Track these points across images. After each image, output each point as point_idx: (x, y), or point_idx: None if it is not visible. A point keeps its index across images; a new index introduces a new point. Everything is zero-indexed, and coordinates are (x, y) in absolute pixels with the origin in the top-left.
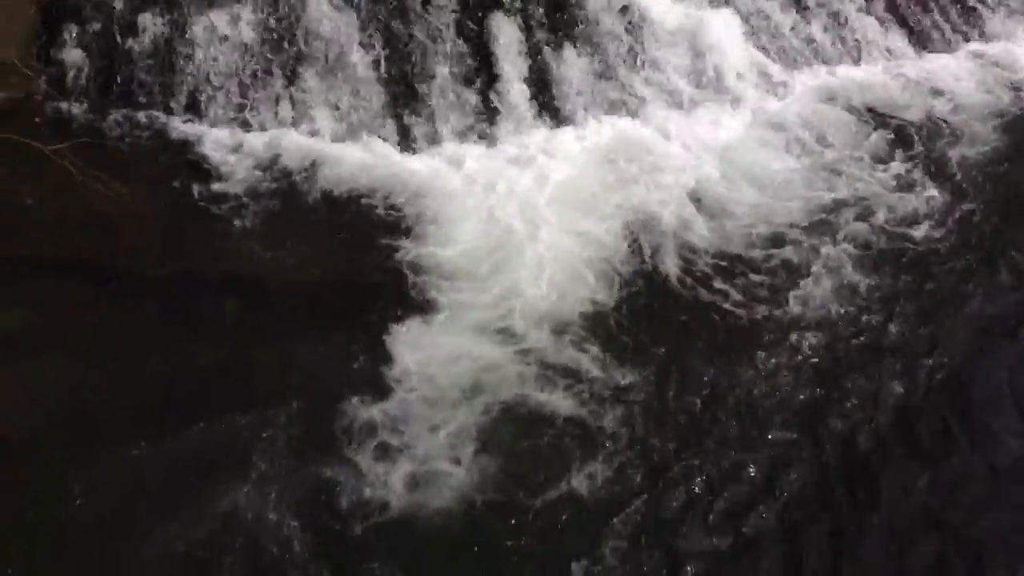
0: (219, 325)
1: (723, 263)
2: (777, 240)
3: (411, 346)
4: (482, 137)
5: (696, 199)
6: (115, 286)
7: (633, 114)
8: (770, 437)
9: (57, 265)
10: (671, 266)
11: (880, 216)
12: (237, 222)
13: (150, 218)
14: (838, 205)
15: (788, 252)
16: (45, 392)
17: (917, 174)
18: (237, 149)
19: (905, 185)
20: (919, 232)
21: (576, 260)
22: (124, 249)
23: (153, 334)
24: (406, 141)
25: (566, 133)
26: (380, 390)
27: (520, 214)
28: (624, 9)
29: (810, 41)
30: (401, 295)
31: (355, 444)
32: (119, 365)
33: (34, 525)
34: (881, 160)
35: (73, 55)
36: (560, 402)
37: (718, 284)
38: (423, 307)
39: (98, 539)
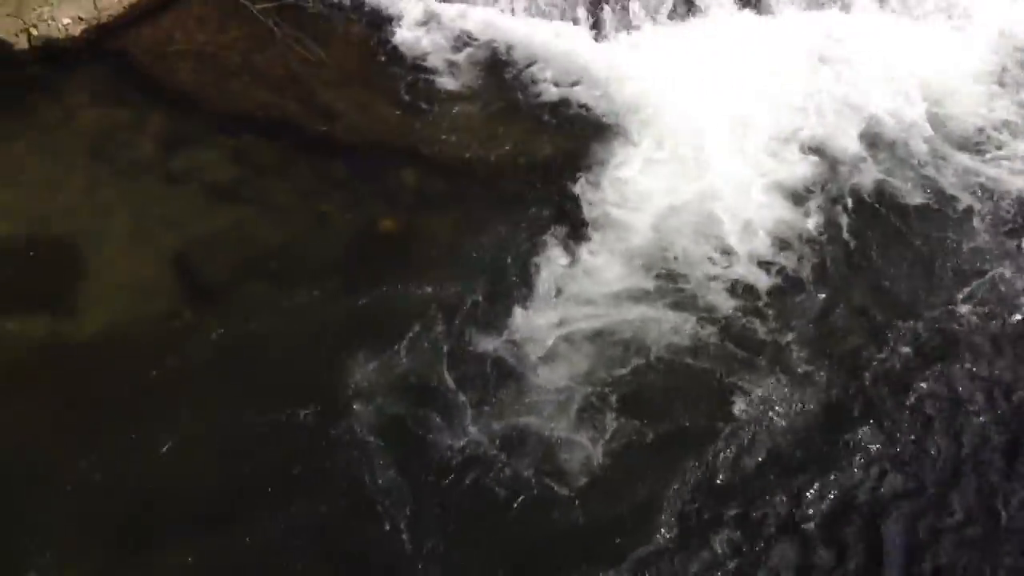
0: (400, 194)
1: (950, 175)
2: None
3: (591, 230)
4: (677, 22)
5: (889, 98)
6: (309, 147)
7: (843, 8)
8: None
9: (258, 121)
10: (876, 173)
11: None
12: (426, 95)
13: (346, 84)
14: None
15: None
16: (237, 240)
17: None
18: (432, 22)
19: None
20: None
21: (774, 156)
22: (320, 112)
23: (339, 197)
24: (599, 25)
25: (767, 24)
26: (550, 265)
27: (715, 106)
28: None
29: None
30: (583, 177)
31: (530, 310)
32: (305, 221)
33: (224, 354)
34: None
35: None
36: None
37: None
38: (603, 194)
39: (297, 364)
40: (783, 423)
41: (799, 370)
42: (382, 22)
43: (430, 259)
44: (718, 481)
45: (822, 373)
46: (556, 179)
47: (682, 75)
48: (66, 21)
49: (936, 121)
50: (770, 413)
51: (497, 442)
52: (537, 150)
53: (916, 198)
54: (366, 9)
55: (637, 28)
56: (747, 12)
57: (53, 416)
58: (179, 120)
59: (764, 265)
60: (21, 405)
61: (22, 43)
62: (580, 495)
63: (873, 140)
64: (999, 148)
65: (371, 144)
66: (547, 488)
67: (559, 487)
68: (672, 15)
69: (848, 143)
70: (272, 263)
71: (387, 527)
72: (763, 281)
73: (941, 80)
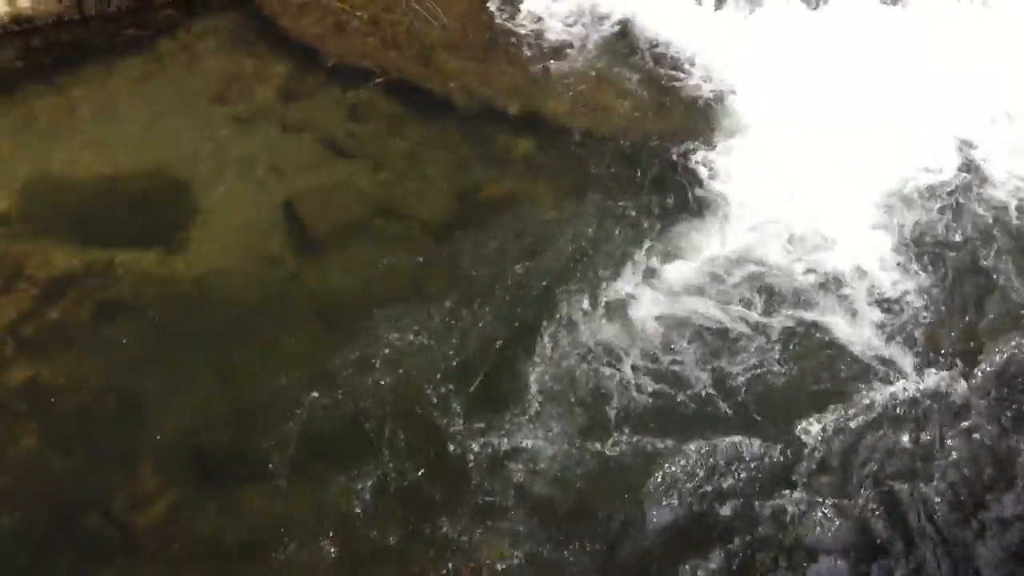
0: (508, 160)
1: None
2: None
3: (690, 212)
4: (807, 5)
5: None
6: (423, 107)
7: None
8: None
9: (376, 79)
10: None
11: None
12: (542, 64)
13: (466, 48)
14: None
15: None
16: (344, 194)
17: None
18: None
19: None
20: None
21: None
22: (438, 75)
23: (448, 159)
24: (721, 3)
25: (900, 10)
26: (647, 246)
27: (832, 85)
28: None
29: None
30: (690, 157)
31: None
32: (416, 183)
33: (324, 305)
34: None
35: None
36: None
37: None
38: (706, 176)
39: (390, 320)
40: None
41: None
42: None
43: (531, 228)
44: None
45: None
46: (664, 155)
47: (800, 57)
48: None
49: None
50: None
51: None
52: (649, 125)
53: None
54: None
55: (762, 6)
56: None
57: (152, 348)
58: (300, 72)
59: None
60: (124, 335)
61: None
62: None
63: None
64: None
65: (484, 109)
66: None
67: None
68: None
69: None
70: (376, 220)
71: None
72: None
73: None
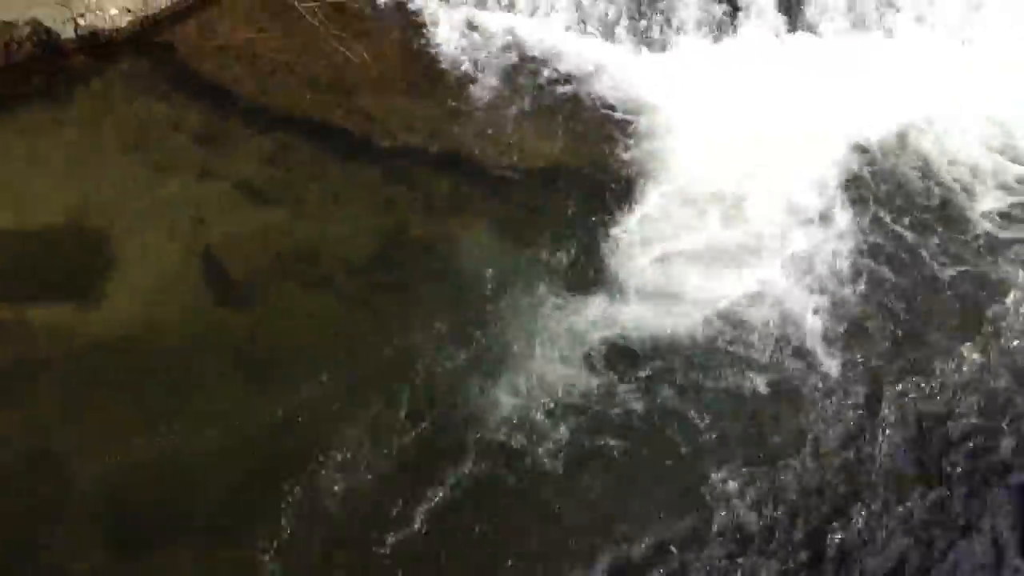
0: (433, 198)
1: (962, 182)
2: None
3: (625, 244)
4: (720, 40)
5: (939, 118)
6: (346, 149)
7: (885, 31)
8: None
9: (296, 121)
10: (901, 175)
11: None
12: (464, 100)
13: (385, 87)
14: None
15: None
16: (266, 239)
17: None
18: (474, 29)
19: None
20: None
21: (794, 162)
22: (358, 115)
23: (372, 200)
24: (639, 37)
25: (811, 42)
26: (584, 283)
27: (746, 117)
28: None
29: None
30: (615, 189)
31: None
32: (339, 226)
33: (248, 354)
34: None
35: None
36: None
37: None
38: (636, 204)
39: (319, 365)
40: None
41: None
42: (424, 28)
43: (458, 266)
44: None
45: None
46: (584, 184)
47: (718, 94)
48: (113, 12)
49: (984, 147)
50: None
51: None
52: (570, 162)
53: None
54: (410, 14)
55: (677, 46)
56: (788, 33)
57: (68, 405)
58: (218, 116)
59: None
60: (39, 392)
61: (68, 32)
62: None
63: (904, 156)
64: None
65: (406, 148)
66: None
67: None
68: (712, 35)
69: (878, 156)
70: (299, 264)
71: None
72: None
73: (985, 104)
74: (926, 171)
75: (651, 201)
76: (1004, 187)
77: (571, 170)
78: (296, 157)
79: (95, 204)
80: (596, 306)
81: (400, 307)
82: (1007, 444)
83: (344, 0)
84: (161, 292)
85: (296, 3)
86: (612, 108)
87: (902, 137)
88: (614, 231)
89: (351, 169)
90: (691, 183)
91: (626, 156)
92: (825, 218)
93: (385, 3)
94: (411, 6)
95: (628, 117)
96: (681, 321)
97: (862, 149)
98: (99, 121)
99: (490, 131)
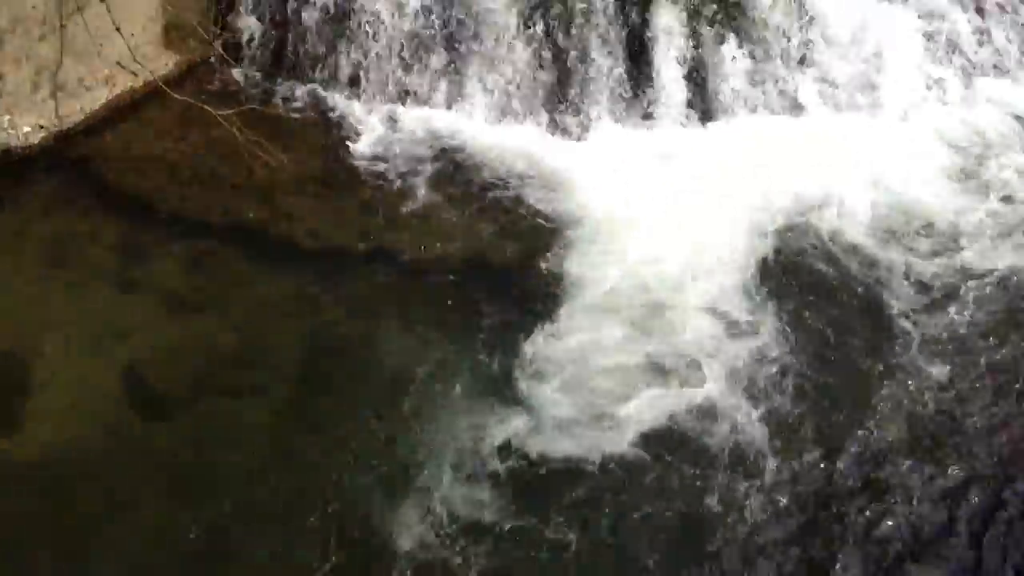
0: (366, 296)
1: (874, 268)
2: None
3: (545, 336)
4: (634, 126)
5: (847, 197)
6: (270, 253)
7: (791, 113)
8: None
9: (219, 228)
10: (814, 252)
11: None
12: (386, 199)
13: (307, 189)
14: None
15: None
16: (191, 351)
17: None
18: (393, 126)
19: None
20: None
21: (715, 258)
22: (281, 217)
23: (298, 304)
24: (557, 126)
25: (721, 127)
26: (506, 380)
27: (665, 207)
28: (791, 4)
29: (990, 47)
30: (541, 272)
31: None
32: (267, 332)
33: (178, 472)
34: None
35: (249, 22)
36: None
37: (867, 270)
38: (560, 295)
39: (249, 480)
40: None
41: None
42: (344, 127)
43: (389, 366)
44: None
45: None
46: (513, 285)
47: (635, 180)
48: (26, 129)
49: (885, 219)
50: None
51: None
52: (493, 257)
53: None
54: (328, 114)
55: (594, 133)
56: (699, 117)
57: None
58: (137, 228)
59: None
60: None
61: None
62: None
63: (818, 242)
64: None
65: (331, 249)
66: None
67: None
68: (627, 121)
69: (795, 246)
70: (226, 375)
71: None
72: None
73: (887, 177)
74: (837, 258)
75: (571, 304)
76: (913, 273)
77: (494, 266)
78: (218, 264)
79: (11, 324)
80: (510, 422)
81: (333, 412)
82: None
83: (262, 107)
84: (82, 412)
85: (211, 111)
86: (532, 199)
87: (814, 222)
88: (534, 338)
89: (275, 272)
90: (610, 282)
91: (547, 252)
92: (749, 322)
93: (303, 105)
94: (330, 105)
95: (548, 209)
96: (598, 441)
97: (776, 237)
98: (15, 240)
99: (412, 226)
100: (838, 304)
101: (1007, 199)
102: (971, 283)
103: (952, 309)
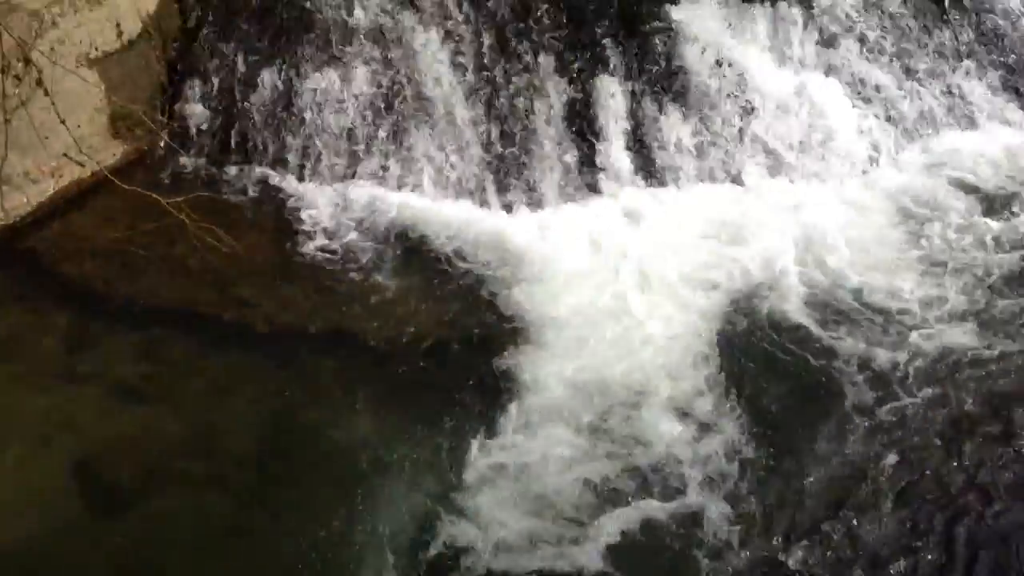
0: (322, 380)
1: (823, 330)
2: (873, 316)
3: (508, 412)
4: (582, 199)
5: (794, 268)
6: (224, 339)
7: (735, 180)
8: None
9: (170, 315)
10: (767, 332)
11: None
12: (341, 278)
13: (259, 273)
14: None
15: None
16: (144, 441)
17: None
18: (343, 206)
19: None
20: None
21: (673, 326)
22: (234, 302)
23: (254, 389)
24: (507, 202)
25: (667, 196)
26: (472, 459)
27: (617, 278)
28: (728, 75)
29: (922, 110)
30: (498, 357)
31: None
32: (222, 419)
33: (132, 567)
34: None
35: (195, 110)
36: None
37: (820, 350)
38: (520, 370)
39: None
40: None
41: None
42: (295, 209)
43: (349, 449)
44: None
45: None
46: (473, 363)
47: (587, 252)
48: None
49: (827, 284)
50: None
51: None
52: (449, 336)
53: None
54: (278, 197)
55: (544, 207)
56: (646, 188)
57: None
58: (86, 319)
59: None
60: None
61: None
62: None
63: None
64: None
65: (287, 332)
66: None
67: None
68: (576, 194)
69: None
70: (180, 464)
71: None
72: None
73: (834, 242)
74: (787, 337)
75: (523, 401)
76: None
77: (451, 345)
78: (171, 352)
79: None
80: (463, 533)
81: (293, 499)
82: None
83: (211, 194)
84: (31, 511)
85: (160, 199)
86: (487, 275)
87: (764, 296)
88: (487, 436)
89: (230, 358)
90: (565, 372)
91: (504, 328)
92: (708, 421)
93: (253, 189)
94: (280, 188)
95: (501, 291)
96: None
97: (726, 313)
98: None
99: (368, 305)
100: (789, 393)
101: (950, 268)
102: (918, 363)
103: (900, 391)
